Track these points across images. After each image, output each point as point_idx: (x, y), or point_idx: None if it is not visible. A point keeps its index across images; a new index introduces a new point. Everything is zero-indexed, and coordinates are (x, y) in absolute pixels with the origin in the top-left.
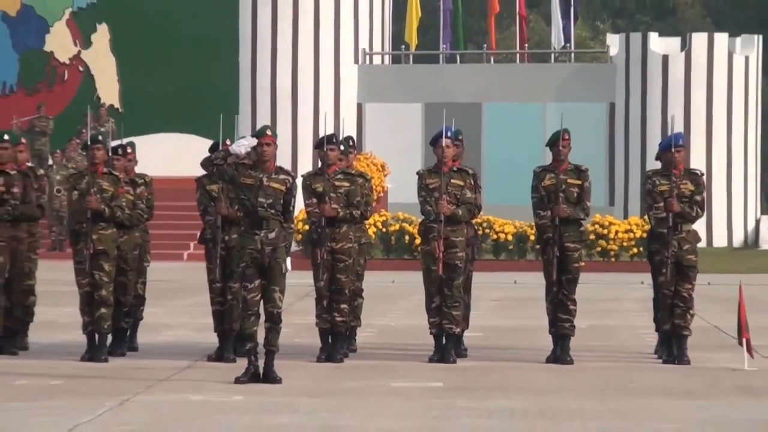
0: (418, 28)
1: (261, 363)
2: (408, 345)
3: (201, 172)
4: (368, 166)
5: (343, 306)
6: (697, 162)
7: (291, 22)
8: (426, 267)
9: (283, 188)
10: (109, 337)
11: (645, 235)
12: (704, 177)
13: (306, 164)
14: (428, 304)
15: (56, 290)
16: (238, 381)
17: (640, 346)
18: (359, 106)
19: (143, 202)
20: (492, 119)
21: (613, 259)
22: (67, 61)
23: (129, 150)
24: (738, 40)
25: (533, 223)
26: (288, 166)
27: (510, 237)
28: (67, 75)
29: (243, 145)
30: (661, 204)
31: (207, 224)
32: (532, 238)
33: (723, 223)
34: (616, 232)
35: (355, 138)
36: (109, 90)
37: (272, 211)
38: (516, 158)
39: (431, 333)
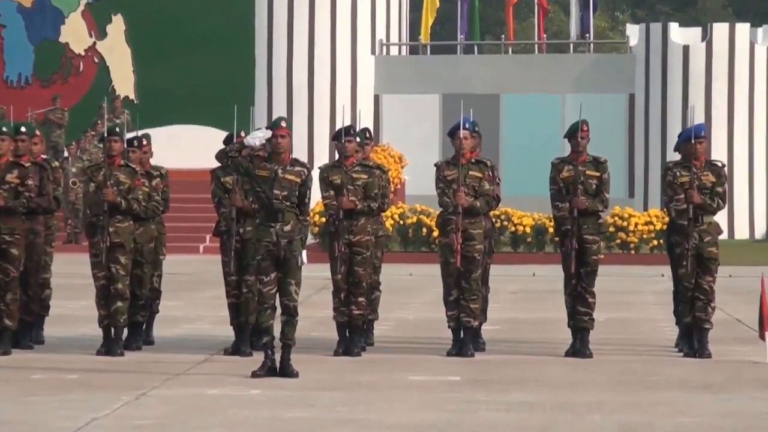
0: (434, 20)
1: (278, 357)
2: (425, 338)
3: (216, 164)
4: (385, 158)
5: (361, 299)
6: (718, 153)
7: (307, 12)
8: (444, 259)
9: (298, 180)
10: (125, 331)
11: (665, 227)
12: (725, 168)
13: (322, 156)
14: (446, 297)
15: (72, 283)
16: (254, 375)
17: (660, 339)
18: (376, 98)
19: (159, 194)
20: (510, 110)
21: (632, 252)
22: (83, 53)
23: (144, 142)
24: (760, 30)
25: (552, 215)
26: (304, 159)
27: (528, 229)
28: (82, 66)
29: (258, 137)
30: (682, 196)
31: (222, 217)
32: (551, 230)
33: (744, 214)
34: (636, 224)
35: (372, 130)
36: (124, 82)
37: (287, 203)
38: (534, 150)
39: (449, 326)
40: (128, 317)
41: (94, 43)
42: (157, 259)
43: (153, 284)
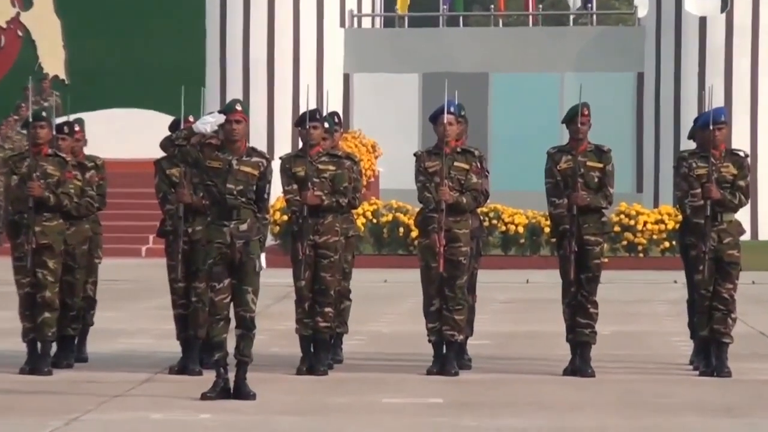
0: None
1: (231, 376)
2: (403, 355)
3: (160, 153)
4: (356, 147)
5: (328, 309)
6: (739, 142)
7: None
8: (424, 264)
9: (255, 172)
10: (54, 346)
11: (678, 226)
12: (749, 159)
13: (284, 145)
14: (426, 307)
15: None
16: (205, 397)
17: (673, 355)
18: (346, 77)
19: (93, 188)
20: (500, 92)
21: (641, 255)
22: (4, 25)
23: (77, 128)
24: None
25: (548, 213)
26: (263, 147)
27: (521, 229)
28: (3, 41)
29: (209, 122)
30: (698, 190)
31: (167, 214)
32: (547, 230)
33: None
34: (645, 223)
35: (341, 114)
36: (53, 59)
37: (243, 199)
38: (528, 137)
39: (430, 341)
40: (57, 330)
41: (18, 14)
42: (92, 264)
43: (87, 292)
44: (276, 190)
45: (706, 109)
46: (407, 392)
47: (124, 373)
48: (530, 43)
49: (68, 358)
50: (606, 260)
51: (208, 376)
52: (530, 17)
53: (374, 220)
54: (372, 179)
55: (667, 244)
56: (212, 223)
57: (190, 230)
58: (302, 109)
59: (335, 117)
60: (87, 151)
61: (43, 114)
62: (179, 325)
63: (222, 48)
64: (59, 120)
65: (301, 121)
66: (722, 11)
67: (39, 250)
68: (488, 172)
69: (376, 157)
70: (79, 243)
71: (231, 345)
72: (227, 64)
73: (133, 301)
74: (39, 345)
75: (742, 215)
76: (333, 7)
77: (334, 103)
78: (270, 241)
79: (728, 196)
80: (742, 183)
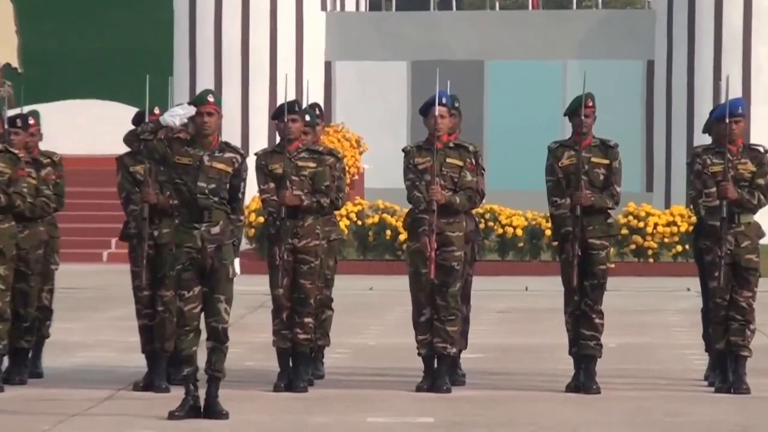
0: None
1: (202, 393)
2: (390, 369)
3: (124, 149)
4: (339, 142)
5: (308, 320)
6: (759, 136)
7: None
8: (413, 270)
9: (229, 170)
10: (6, 360)
11: (692, 229)
12: None
13: (260, 139)
14: (416, 318)
15: None
16: (173, 416)
17: (686, 370)
18: (328, 65)
19: (50, 187)
20: (497, 81)
21: (651, 260)
22: None
23: (31, 121)
24: None
25: (549, 214)
26: (237, 142)
27: (520, 232)
28: None
29: (178, 114)
30: (713, 189)
31: (131, 216)
32: (548, 233)
33: None
34: (655, 225)
35: (322, 106)
36: (4, 45)
37: (216, 198)
38: (527, 131)
39: (419, 354)
40: (9, 343)
41: None
42: (48, 270)
43: (42, 301)
44: (251, 190)
45: (723, 101)
46: (395, 411)
47: (84, 389)
48: (530, 27)
49: (21, 374)
50: (612, 266)
51: (177, 393)
52: (530, 0)
53: (359, 222)
54: (356, 177)
55: (679, 248)
56: (181, 225)
57: (156, 233)
58: (280, 101)
59: (316, 109)
60: (42, 146)
61: None
62: (144, 337)
63: (192, 33)
64: (11, 112)
65: (278, 114)
66: None
67: None
68: (484, 170)
69: (360, 153)
70: (33, 247)
71: (201, 359)
72: (197, 50)
73: (94, 310)
74: None
75: (763, 216)
76: None
77: (314, 94)
78: (244, 245)
79: (746, 196)
80: (761, 181)
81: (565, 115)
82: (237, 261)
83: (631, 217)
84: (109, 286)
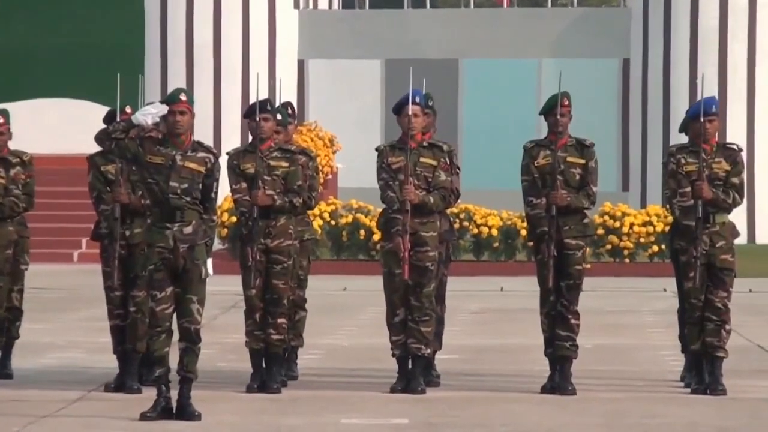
0: None
1: (174, 394)
2: (364, 370)
3: (94, 148)
4: (312, 141)
5: (281, 320)
6: (735, 135)
7: None
8: (387, 270)
9: (202, 169)
10: None
11: (668, 229)
12: (743, 154)
13: (232, 138)
14: (390, 318)
15: None
16: (144, 417)
17: (662, 371)
18: (300, 63)
19: (19, 187)
20: (472, 80)
21: (627, 260)
22: None
23: (0, 120)
24: None
25: (524, 214)
26: (209, 141)
27: (495, 232)
28: None
29: (150, 113)
30: (688, 189)
31: (102, 215)
32: (523, 233)
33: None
34: (631, 225)
35: (295, 105)
36: None
37: (188, 198)
38: (502, 130)
39: (394, 355)
40: None
41: None
42: (18, 270)
43: (12, 302)
44: (223, 189)
45: (698, 99)
46: (369, 412)
47: (54, 391)
48: (505, 25)
49: None
50: (588, 266)
51: (148, 394)
52: None
53: (332, 222)
54: (329, 177)
55: (655, 248)
56: (153, 225)
57: (127, 233)
58: (252, 99)
59: (288, 108)
60: (12, 145)
61: None
62: (116, 338)
63: (163, 31)
64: None
65: (250, 113)
66: None
67: None
68: (458, 169)
69: (333, 152)
70: (2, 247)
71: (174, 360)
72: (169, 48)
73: (64, 311)
74: None
75: (738, 216)
76: None
77: (287, 93)
78: (217, 245)
79: (721, 195)
80: (735, 180)
81: (540, 114)
82: (209, 261)
83: (607, 217)
84: (80, 287)
